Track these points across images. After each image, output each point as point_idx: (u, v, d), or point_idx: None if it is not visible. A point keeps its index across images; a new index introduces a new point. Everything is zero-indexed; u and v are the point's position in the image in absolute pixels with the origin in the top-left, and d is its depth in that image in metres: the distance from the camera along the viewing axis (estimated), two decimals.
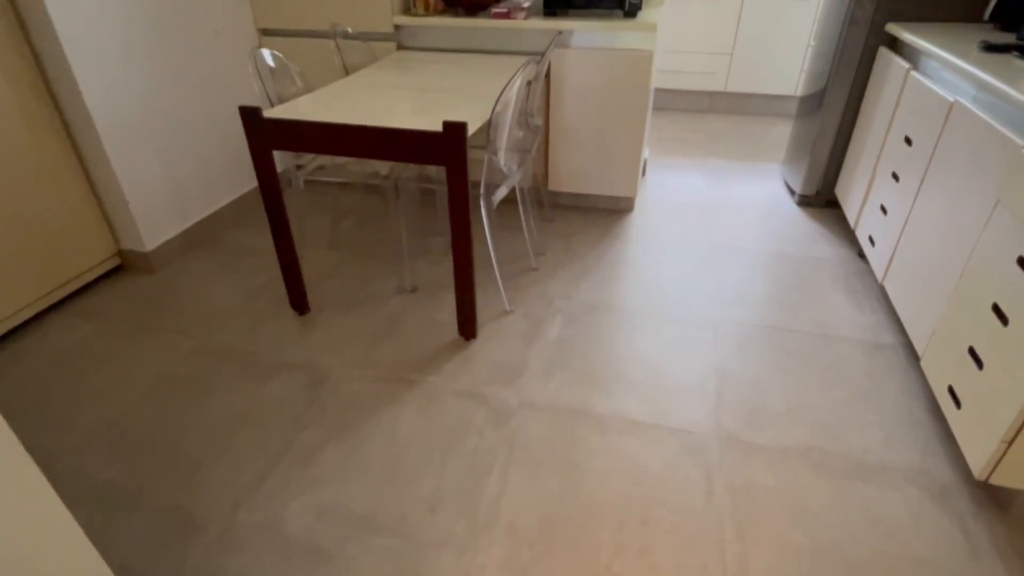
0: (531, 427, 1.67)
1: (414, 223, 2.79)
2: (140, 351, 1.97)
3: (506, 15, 2.50)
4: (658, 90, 4.34)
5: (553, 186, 2.85)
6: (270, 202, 1.89)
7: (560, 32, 2.47)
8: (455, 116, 1.75)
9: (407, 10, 2.67)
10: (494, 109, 1.73)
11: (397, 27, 2.65)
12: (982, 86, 1.56)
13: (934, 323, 1.66)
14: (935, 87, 1.84)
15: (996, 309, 1.35)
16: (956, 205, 1.61)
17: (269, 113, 1.78)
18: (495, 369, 1.87)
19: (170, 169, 2.44)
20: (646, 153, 3.23)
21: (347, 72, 2.51)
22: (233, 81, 2.70)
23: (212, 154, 2.65)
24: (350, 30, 2.63)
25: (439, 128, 1.63)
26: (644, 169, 3.22)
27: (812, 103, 2.78)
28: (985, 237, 1.44)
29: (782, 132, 3.93)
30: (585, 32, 2.45)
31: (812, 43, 3.71)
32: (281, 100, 2.12)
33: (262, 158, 1.78)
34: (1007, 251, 1.33)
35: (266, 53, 2.12)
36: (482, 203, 1.99)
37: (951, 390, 1.52)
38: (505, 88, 1.74)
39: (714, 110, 4.33)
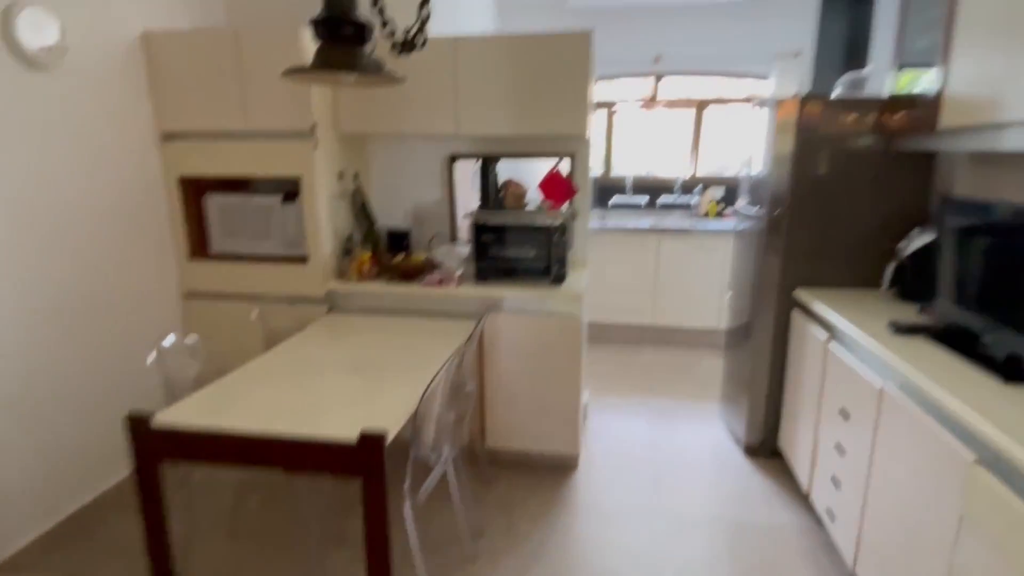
0: None
1: (330, 504, 2.47)
2: None
3: (439, 283, 2.55)
4: (592, 324, 4.49)
5: (491, 442, 2.66)
6: (152, 526, 1.58)
7: (490, 309, 2.51)
8: (381, 405, 1.59)
9: (341, 274, 2.69)
10: (417, 409, 1.60)
11: (330, 291, 2.64)
12: (906, 383, 1.58)
13: None
14: (858, 367, 1.87)
15: None
16: (919, 503, 1.51)
17: (164, 416, 1.58)
18: None
19: (28, 458, 2.11)
20: (586, 397, 3.16)
21: (269, 344, 2.39)
22: (132, 340, 2.53)
23: (93, 429, 2.35)
24: (279, 296, 2.59)
25: (356, 433, 1.46)
26: (585, 414, 3.12)
27: (739, 335, 2.86)
28: (957, 560, 1.31)
29: (715, 364, 4.03)
30: (515, 299, 2.50)
31: (729, 292, 4.00)
32: (185, 387, 1.93)
33: (148, 478, 1.52)
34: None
35: (174, 339, 1.99)
36: (406, 504, 1.76)
37: None
38: (429, 387, 1.63)
39: (645, 341, 4.46)
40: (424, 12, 1.43)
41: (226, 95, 2.50)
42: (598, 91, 4.84)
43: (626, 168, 4.90)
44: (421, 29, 1.46)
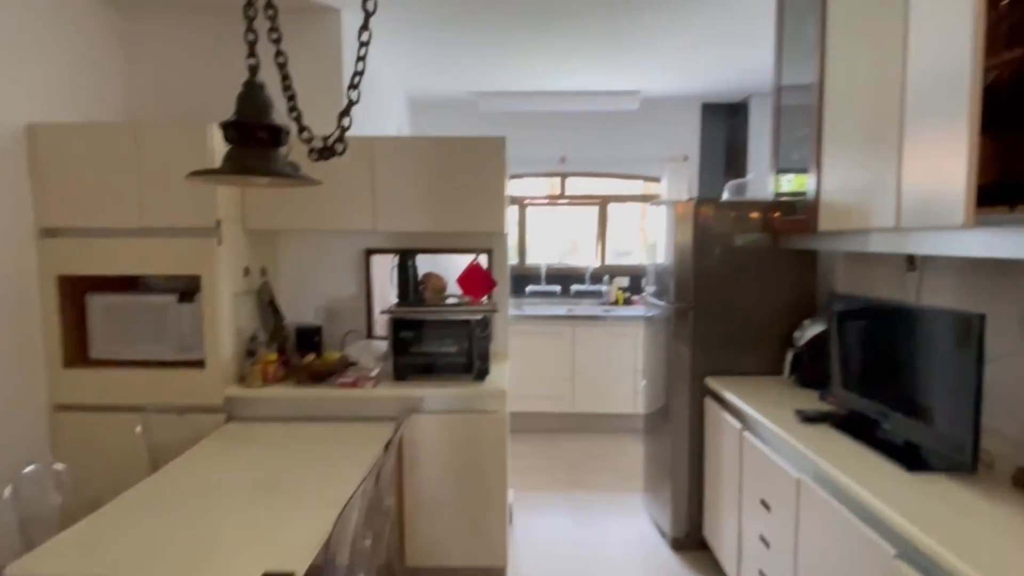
0: None
1: None
2: None
3: (353, 384, 2.41)
4: (512, 413, 4.41)
5: (411, 561, 2.45)
6: None
7: (409, 409, 2.39)
8: (287, 534, 1.41)
9: (243, 379, 2.48)
10: (330, 536, 1.44)
11: (229, 398, 2.41)
12: (819, 474, 1.64)
13: None
14: (774, 457, 1.94)
15: None
16: None
17: (18, 567, 1.31)
18: None
19: None
20: (511, 496, 3.03)
21: (156, 463, 2.11)
22: None
23: None
24: (167, 404, 2.32)
25: None
26: (511, 516, 2.98)
27: (657, 420, 2.90)
28: None
29: (635, 450, 4.05)
30: (437, 397, 2.40)
31: (643, 379, 4.12)
32: (48, 526, 1.63)
33: None
34: None
35: (35, 467, 1.70)
36: None
37: None
38: (343, 511, 1.48)
39: (565, 429, 4.43)
40: (344, 122, 1.43)
41: (121, 190, 2.34)
42: (511, 187, 5.06)
43: (540, 258, 5.06)
44: (340, 138, 1.46)
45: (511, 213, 5.03)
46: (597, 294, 4.90)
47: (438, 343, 2.49)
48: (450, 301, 2.68)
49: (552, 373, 4.36)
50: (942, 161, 1.41)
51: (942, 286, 1.89)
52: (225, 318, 2.42)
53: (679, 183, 4.80)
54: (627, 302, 4.82)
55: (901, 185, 1.61)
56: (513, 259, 5.06)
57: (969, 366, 1.42)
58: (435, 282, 2.68)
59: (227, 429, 2.29)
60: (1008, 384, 1.63)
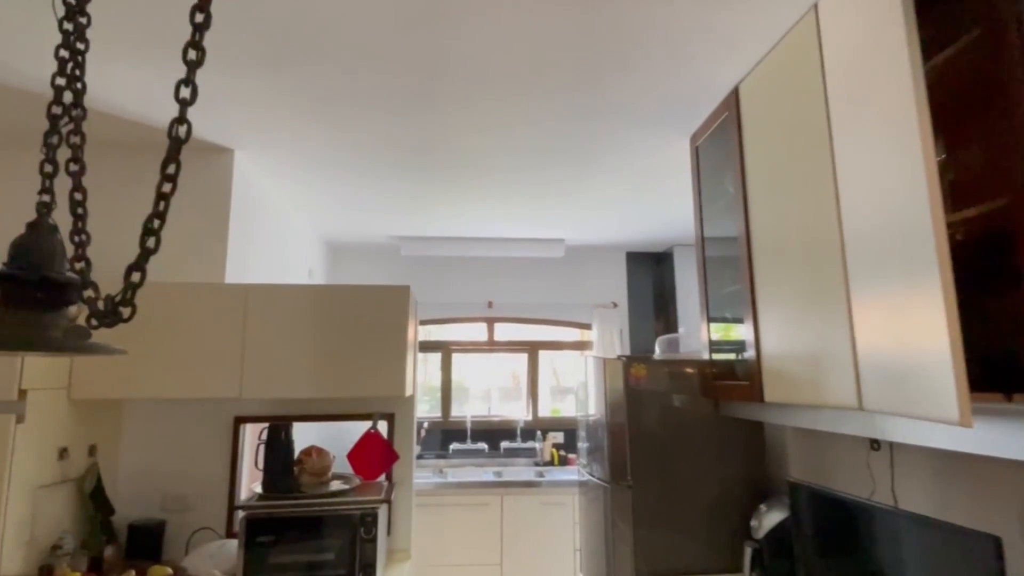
0: None
1: None
2: None
3: None
4: None
5: None
6: None
7: None
8: None
9: None
10: None
11: None
12: None
13: None
14: None
15: None
16: None
17: None
18: None
19: None
20: None
21: None
22: None
23: None
24: None
25: None
26: None
27: None
28: None
29: None
30: None
31: (581, 567, 3.53)
32: None
33: None
34: None
35: None
36: None
37: None
38: None
39: None
40: (134, 277, 1.04)
41: None
42: (432, 334, 4.71)
43: (467, 410, 4.58)
44: (129, 299, 1.06)
45: (430, 363, 4.62)
46: (529, 452, 4.40)
47: (310, 548, 1.91)
48: (334, 485, 2.15)
49: (477, 556, 3.68)
50: (905, 330, 1.15)
51: (916, 471, 1.57)
52: (18, 521, 1.79)
53: (610, 329, 4.59)
54: (563, 461, 4.33)
55: (857, 356, 1.34)
56: (436, 412, 4.55)
57: None
58: (316, 460, 2.16)
59: None
60: None
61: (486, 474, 4.10)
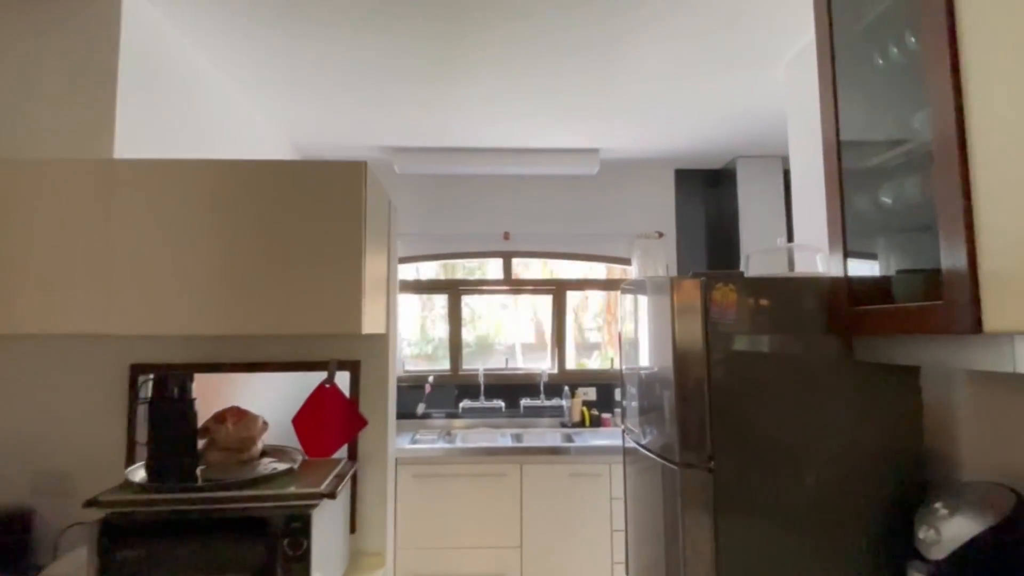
0: None
1: None
2: None
3: None
4: None
5: None
6: None
7: None
8: None
9: None
10: None
11: None
12: None
13: None
14: None
15: None
16: None
17: None
18: None
19: None
20: None
21: None
22: None
23: None
24: None
25: None
26: None
27: None
28: None
29: None
30: None
31: (626, 550, 2.81)
32: None
33: None
34: None
35: None
36: None
37: None
38: None
39: None
40: None
41: None
42: (442, 271, 3.94)
43: (479, 363, 3.83)
44: None
45: (436, 303, 3.87)
46: (555, 410, 3.66)
47: (201, 569, 1.19)
48: (263, 467, 1.41)
49: (492, 538, 3.00)
50: None
51: None
52: None
53: (654, 265, 3.75)
54: (595, 422, 3.59)
55: None
56: (444, 364, 3.82)
57: None
58: (230, 429, 1.42)
59: None
60: None
61: (503, 438, 3.39)
